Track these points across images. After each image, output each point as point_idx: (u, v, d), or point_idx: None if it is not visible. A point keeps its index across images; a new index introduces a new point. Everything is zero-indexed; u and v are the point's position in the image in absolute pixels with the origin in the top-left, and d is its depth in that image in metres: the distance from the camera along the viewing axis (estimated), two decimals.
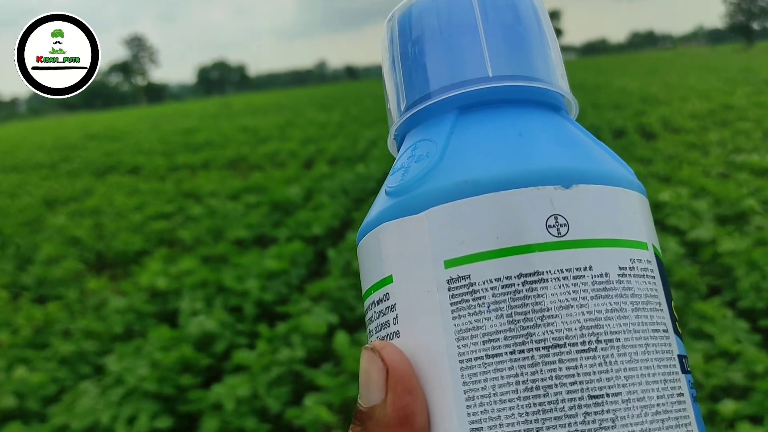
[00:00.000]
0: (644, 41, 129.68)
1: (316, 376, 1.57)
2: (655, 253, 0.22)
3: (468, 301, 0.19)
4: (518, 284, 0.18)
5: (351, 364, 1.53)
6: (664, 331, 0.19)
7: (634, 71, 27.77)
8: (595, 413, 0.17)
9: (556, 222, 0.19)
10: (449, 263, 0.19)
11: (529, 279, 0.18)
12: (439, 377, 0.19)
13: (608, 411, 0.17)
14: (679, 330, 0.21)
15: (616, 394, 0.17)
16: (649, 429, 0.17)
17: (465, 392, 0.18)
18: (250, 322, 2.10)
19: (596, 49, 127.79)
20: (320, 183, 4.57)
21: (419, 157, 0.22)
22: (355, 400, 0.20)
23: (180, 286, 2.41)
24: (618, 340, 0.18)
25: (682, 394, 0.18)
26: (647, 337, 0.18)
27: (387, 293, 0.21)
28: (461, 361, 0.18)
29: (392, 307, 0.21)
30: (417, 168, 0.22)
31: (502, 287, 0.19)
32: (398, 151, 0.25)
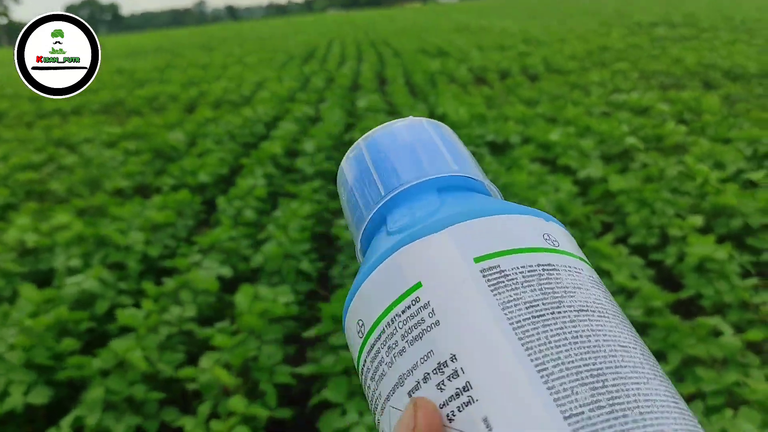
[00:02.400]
0: None
1: (210, 336, 1.46)
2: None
3: (503, 282, 0.21)
4: (540, 270, 0.22)
5: (250, 320, 1.43)
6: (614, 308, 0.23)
7: (516, 15, 28.40)
8: (625, 356, 0.20)
9: (549, 237, 0.24)
10: (478, 259, 0.22)
11: (546, 268, 0.22)
12: (494, 340, 0.20)
13: (631, 357, 0.20)
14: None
15: (625, 346, 0.21)
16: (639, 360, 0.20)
17: (522, 344, 0.20)
18: (134, 280, 1.95)
19: None
20: (205, 128, 4.33)
21: (420, 207, 0.26)
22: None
23: (53, 243, 2.20)
24: (609, 312, 0.22)
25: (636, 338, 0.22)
26: (618, 314, 0.22)
27: (417, 297, 0.22)
28: (511, 324, 0.20)
29: (425, 305, 0.22)
30: (422, 211, 0.26)
31: (528, 272, 0.22)
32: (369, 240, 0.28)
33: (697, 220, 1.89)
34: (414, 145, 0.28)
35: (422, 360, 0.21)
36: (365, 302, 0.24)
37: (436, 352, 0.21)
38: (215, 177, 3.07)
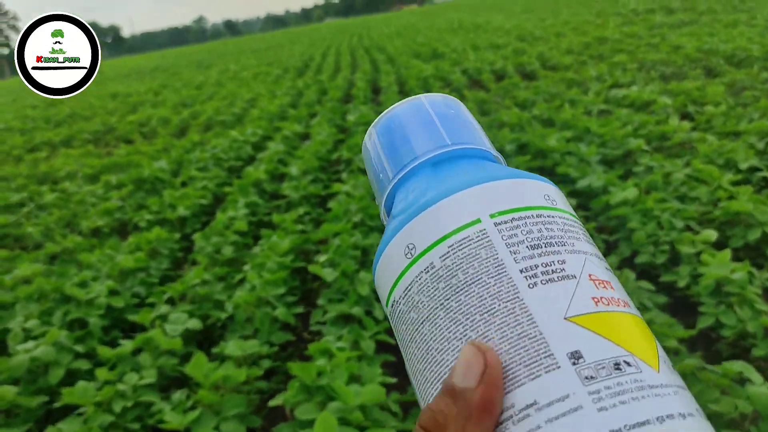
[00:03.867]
0: None
1: (165, 410, 1.29)
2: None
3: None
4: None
5: (206, 395, 1.26)
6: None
7: (510, 9, 28.24)
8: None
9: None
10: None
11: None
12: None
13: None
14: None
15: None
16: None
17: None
18: (96, 338, 1.79)
19: None
20: (191, 153, 4.17)
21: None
22: None
23: (15, 298, 2.05)
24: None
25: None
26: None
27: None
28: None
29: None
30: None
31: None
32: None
33: (711, 236, 1.70)
34: (415, 125, 0.32)
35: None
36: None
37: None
38: (196, 209, 2.91)
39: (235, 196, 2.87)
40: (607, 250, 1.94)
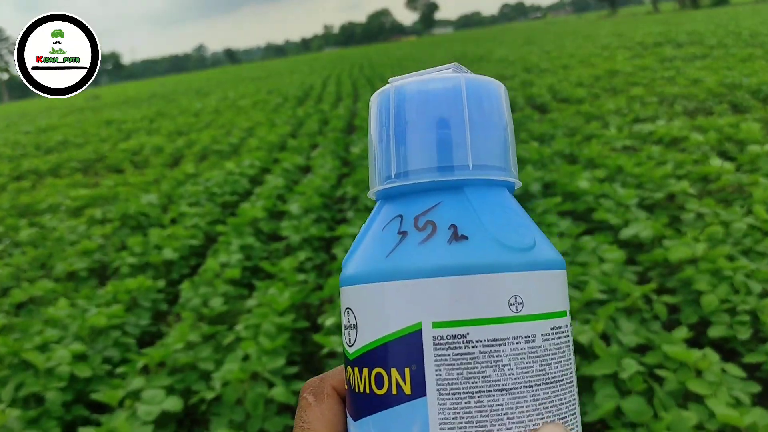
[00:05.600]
0: (515, 12, 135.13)
1: None
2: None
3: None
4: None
5: None
6: None
7: (511, 41, 28.37)
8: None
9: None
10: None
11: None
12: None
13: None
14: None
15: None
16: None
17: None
18: (54, 419, 1.47)
19: (471, 22, 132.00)
20: (183, 187, 3.87)
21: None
22: None
23: None
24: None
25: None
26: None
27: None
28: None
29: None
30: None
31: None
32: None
33: None
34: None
35: None
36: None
37: None
38: (185, 251, 2.60)
39: (229, 237, 2.57)
40: (669, 315, 1.63)
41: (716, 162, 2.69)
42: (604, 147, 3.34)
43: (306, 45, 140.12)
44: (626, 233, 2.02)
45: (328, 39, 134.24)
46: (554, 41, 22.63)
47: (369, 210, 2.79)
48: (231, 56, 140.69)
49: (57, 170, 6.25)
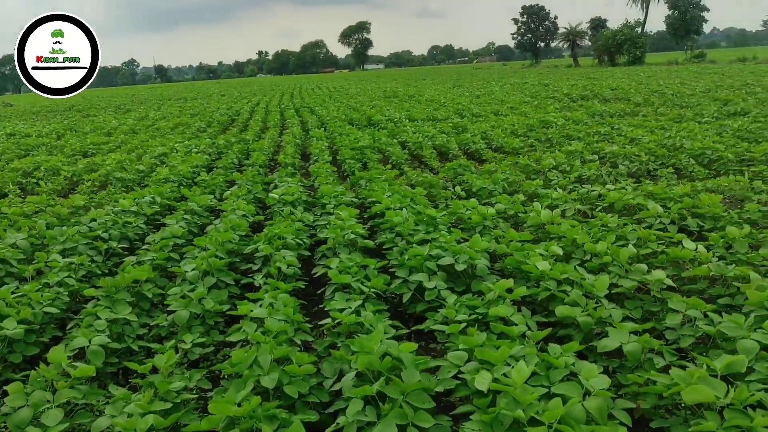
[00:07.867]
0: (443, 54, 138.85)
1: None
2: None
3: None
4: None
5: None
6: None
7: (441, 82, 28.50)
8: None
9: None
10: None
11: None
12: None
13: None
14: None
15: None
16: None
17: None
18: None
19: (402, 60, 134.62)
20: (64, 223, 3.25)
21: None
22: None
23: None
24: None
25: None
26: None
27: None
28: None
29: None
30: None
31: None
32: None
33: None
34: None
35: None
36: None
37: None
38: (37, 321, 2.02)
39: (97, 308, 2.01)
40: None
41: (689, 245, 2.33)
42: (554, 214, 2.95)
43: (239, 68, 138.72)
44: (606, 344, 1.58)
45: (261, 65, 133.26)
46: (483, 86, 22.87)
47: (283, 276, 2.29)
48: (162, 73, 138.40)
49: None
